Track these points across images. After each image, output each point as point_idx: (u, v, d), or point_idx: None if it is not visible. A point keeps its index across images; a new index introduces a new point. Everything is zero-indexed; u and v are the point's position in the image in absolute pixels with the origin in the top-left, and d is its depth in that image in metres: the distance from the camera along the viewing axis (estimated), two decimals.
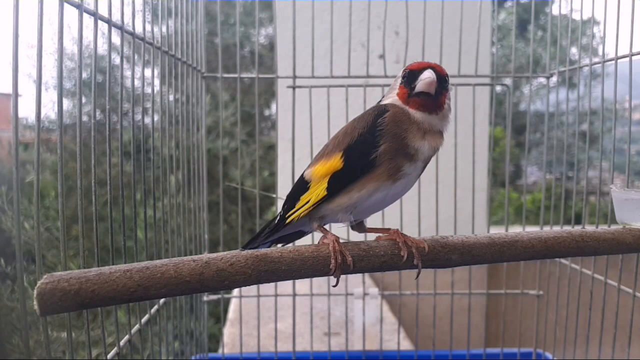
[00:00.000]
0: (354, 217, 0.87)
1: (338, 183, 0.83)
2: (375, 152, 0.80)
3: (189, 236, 1.42)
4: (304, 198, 0.86)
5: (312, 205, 0.84)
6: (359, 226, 0.93)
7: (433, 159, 1.53)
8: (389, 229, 0.86)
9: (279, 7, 1.77)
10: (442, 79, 0.83)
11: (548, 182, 1.53)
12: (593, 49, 1.64)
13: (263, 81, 1.56)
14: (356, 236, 0.96)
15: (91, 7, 0.88)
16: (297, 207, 0.87)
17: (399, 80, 0.87)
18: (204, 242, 1.57)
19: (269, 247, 0.96)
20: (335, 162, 0.84)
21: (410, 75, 0.84)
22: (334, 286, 0.83)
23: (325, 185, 0.83)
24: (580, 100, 1.41)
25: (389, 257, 0.82)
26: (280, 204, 2.11)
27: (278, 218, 0.91)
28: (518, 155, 4.73)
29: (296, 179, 1.52)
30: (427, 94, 0.82)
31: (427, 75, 0.81)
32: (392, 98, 0.87)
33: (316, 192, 0.84)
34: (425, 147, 0.83)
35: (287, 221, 0.87)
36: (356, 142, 0.83)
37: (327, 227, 0.89)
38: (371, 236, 0.89)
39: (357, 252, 0.81)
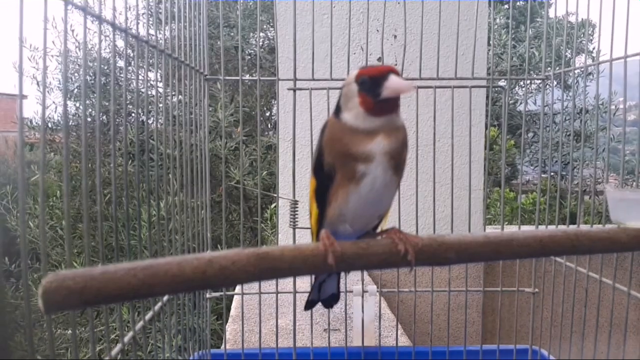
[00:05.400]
0: (350, 227, 0.91)
1: (320, 199, 0.91)
2: (327, 164, 0.87)
3: (192, 234, 1.44)
4: (311, 219, 0.96)
5: (316, 224, 0.94)
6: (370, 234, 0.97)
7: (430, 159, 1.55)
8: (392, 228, 0.89)
9: (280, 11, 1.79)
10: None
11: (543, 181, 1.55)
12: (588, 50, 1.66)
13: (264, 83, 1.58)
14: None
15: (95, 10, 0.90)
16: (311, 227, 0.97)
17: (355, 86, 0.86)
18: (207, 241, 1.59)
19: None
20: (312, 180, 0.93)
21: (373, 82, 0.84)
22: (335, 269, 0.86)
23: (315, 203, 0.93)
24: (574, 101, 1.43)
25: (387, 255, 0.84)
26: (281, 203, 2.14)
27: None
28: (514, 154, 4.75)
29: (297, 178, 1.55)
30: (393, 100, 0.84)
31: (396, 82, 0.82)
32: (355, 109, 0.86)
33: (313, 211, 0.95)
34: (380, 146, 0.83)
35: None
36: (315, 159, 0.91)
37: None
38: None
39: (356, 250, 0.83)
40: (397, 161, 0.86)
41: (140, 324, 1.10)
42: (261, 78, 1.53)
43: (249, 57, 4.66)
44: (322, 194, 0.91)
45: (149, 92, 1.13)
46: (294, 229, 1.51)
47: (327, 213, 0.91)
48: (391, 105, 0.85)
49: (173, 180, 1.28)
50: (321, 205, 0.91)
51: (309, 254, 0.81)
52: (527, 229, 2.05)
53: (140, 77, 1.10)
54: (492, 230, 2.80)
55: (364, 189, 0.85)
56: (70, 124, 3.72)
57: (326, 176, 0.88)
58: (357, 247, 0.83)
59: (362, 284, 1.66)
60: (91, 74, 2.25)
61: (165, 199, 1.23)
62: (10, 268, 2.62)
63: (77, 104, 3.87)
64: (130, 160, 1.47)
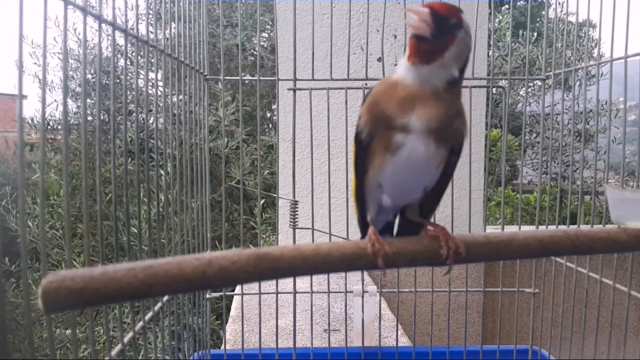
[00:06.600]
0: (390, 199, 0.86)
1: (360, 168, 0.85)
2: (364, 129, 0.80)
3: (192, 234, 1.44)
4: (353, 193, 0.89)
5: (355, 194, 0.87)
6: (411, 213, 0.92)
7: None
8: (437, 225, 0.86)
9: (280, 11, 1.79)
10: (441, 19, 0.73)
11: (544, 182, 1.56)
12: (588, 51, 1.66)
13: (266, 83, 1.59)
14: None
15: (95, 10, 0.90)
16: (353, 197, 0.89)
17: None
18: (207, 241, 1.59)
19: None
20: (354, 148, 0.85)
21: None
22: (383, 273, 0.82)
23: (355, 173, 0.86)
24: (575, 101, 1.43)
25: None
26: (281, 203, 2.14)
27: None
28: (516, 155, 4.75)
29: (297, 178, 1.55)
30: (421, 38, 0.72)
31: (415, 14, 0.71)
32: (405, 54, 0.80)
33: (354, 183, 0.87)
34: (420, 118, 0.76)
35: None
36: (357, 125, 0.83)
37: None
38: None
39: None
40: (442, 133, 0.78)
41: (140, 324, 1.10)
42: (261, 78, 1.53)
43: (252, 57, 4.65)
44: (360, 164, 0.84)
45: (149, 91, 1.12)
46: (294, 229, 1.51)
47: (365, 182, 0.85)
48: (423, 49, 0.74)
49: (172, 179, 1.28)
50: (360, 175, 0.85)
51: (309, 255, 0.80)
52: (528, 229, 2.05)
53: (140, 77, 1.10)
54: (493, 230, 2.80)
55: (399, 158, 0.78)
56: (71, 122, 3.73)
57: (361, 143, 0.81)
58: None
59: (362, 284, 1.66)
60: (92, 72, 2.26)
61: (165, 197, 1.23)
62: (10, 268, 2.62)
63: (78, 103, 3.88)
64: (131, 159, 1.47)
